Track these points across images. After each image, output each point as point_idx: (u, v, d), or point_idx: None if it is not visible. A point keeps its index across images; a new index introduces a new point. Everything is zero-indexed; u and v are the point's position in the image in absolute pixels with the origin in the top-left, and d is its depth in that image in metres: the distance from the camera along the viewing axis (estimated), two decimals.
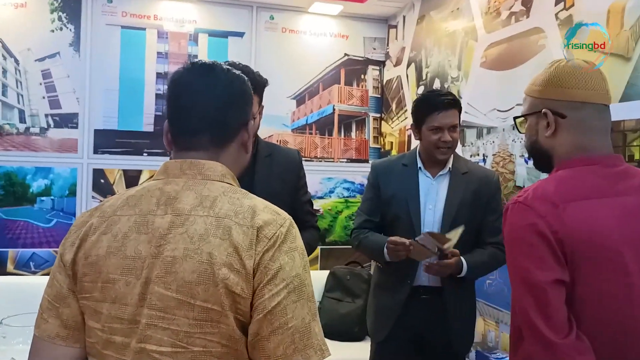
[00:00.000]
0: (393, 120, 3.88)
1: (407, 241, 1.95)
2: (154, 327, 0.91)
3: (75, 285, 0.98)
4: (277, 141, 3.85)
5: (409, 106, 3.64)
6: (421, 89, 3.47)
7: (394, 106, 3.88)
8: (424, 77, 3.45)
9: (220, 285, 0.88)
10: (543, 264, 1.14)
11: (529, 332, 1.15)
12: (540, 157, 1.33)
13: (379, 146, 4.09)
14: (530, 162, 2.38)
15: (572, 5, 2.16)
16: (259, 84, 1.89)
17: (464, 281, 2.09)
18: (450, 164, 2.14)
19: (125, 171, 3.64)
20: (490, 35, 2.72)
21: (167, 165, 1.03)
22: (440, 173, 2.15)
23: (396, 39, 3.91)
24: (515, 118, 1.39)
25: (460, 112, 2.10)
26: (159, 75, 3.69)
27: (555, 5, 2.25)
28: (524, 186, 2.41)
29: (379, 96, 4.11)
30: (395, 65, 3.89)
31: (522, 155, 2.44)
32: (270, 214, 0.96)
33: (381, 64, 4.10)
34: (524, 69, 2.42)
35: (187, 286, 0.89)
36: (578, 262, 1.14)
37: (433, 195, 2.14)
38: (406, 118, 3.69)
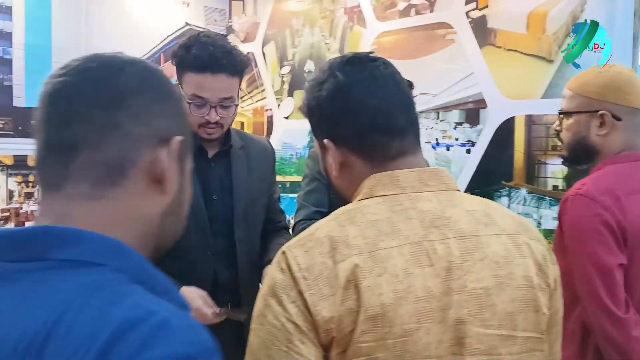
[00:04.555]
0: (244, 99, 3.69)
1: None
2: None
3: (331, 350, 0.74)
4: None
5: (267, 85, 3.52)
6: (286, 69, 3.38)
7: (244, 84, 3.69)
8: (289, 57, 3.36)
9: (543, 309, 0.81)
10: (610, 249, 1.31)
11: (598, 309, 1.30)
12: (584, 153, 1.47)
13: None
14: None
15: (486, 6, 2.38)
16: (245, 63, 1.61)
17: None
18: None
19: None
20: (384, 24, 2.81)
21: (397, 177, 0.84)
22: None
23: (244, 13, 3.70)
24: (561, 112, 1.49)
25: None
26: None
27: (466, 4, 2.45)
28: None
29: None
30: (243, 41, 3.69)
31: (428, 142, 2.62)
32: (529, 222, 0.91)
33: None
34: (430, 60, 2.58)
35: (508, 318, 0.78)
36: (634, 248, 1.32)
37: None
38: (264, 98, 3.55)
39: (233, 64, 1.53)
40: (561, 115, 1.50)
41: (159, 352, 0.48)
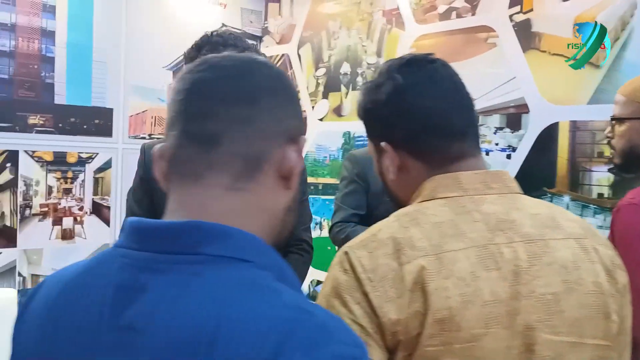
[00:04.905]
0: None
1: None
2: None
3: (397, 353, 0.72)
4: (152, 117, 3.34)
5: (301, 86, 3.52)
6: (321, 71, 3.37)
7: None
8: (325, 59, 3.36)
9: (613, 316, 0.78)
10: None
11: None
12: (637, 160, 1.43)
13: None
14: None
15: (531, 9, 2.34)
16: None
17: None
18: None
19: None
20: (424, 26, 2.78)
21: (459, 179, 0.82)
22: None
23: (280, 15, 3.71)
24: (613, 119, 1.45)
25: None
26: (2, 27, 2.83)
27: (510, 7, 2.41)
28: None
29: None
30: (279, 43, 3.70)
31: None
32: (594, 227, 0.88)
33: (258, 39, 3.86)
34: (470, 64, 2.54)
35: (577, 325, 0.75)
36: None
37: None
38: (298, 99, 3.55)
39: None
40: (613, 122, 1.46)
41: (327, 352, 0.48)
